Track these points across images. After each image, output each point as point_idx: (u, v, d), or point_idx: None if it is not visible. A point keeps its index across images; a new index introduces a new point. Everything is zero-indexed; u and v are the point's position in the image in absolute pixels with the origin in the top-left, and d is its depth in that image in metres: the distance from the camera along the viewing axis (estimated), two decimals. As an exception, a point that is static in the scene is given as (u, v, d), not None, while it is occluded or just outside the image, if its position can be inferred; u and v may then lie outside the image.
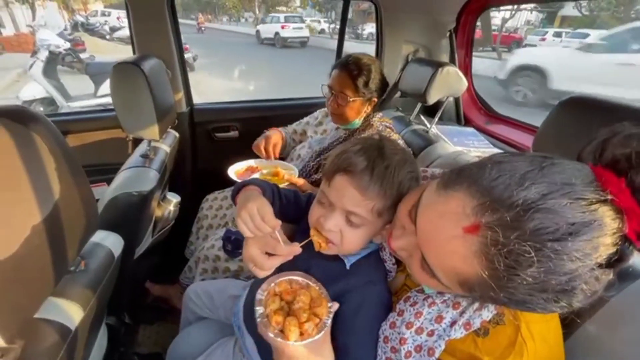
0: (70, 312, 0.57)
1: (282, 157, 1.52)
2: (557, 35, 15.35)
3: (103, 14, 14.03)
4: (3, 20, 11.39)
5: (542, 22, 19.77)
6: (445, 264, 0.43)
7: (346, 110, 1.25)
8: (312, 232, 0.58)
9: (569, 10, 17.82)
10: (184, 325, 1.06)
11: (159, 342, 1.52)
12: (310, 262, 0.63)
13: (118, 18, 13.03)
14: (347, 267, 0.63)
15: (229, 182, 1.50)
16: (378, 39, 1.69)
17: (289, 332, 0.49)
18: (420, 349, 0.51)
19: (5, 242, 0.41)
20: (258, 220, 0.54)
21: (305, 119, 1.59)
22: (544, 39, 15.49)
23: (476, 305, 0.50)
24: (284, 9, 23.68)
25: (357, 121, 1.30)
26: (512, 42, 16.50)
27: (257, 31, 15.81)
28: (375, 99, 1.28)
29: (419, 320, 0.52)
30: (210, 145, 1.76)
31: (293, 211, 0.75)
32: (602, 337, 0.61)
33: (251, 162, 1.48)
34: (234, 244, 1.29)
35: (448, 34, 1.60)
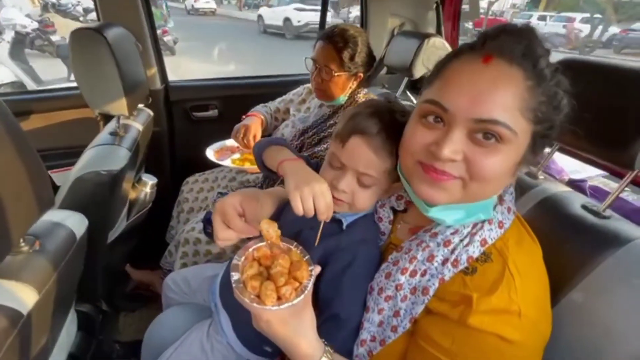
0: (22, 295, 0.52)
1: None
2: (542, 18, 15.45)
3: (76, -6, 13.25)
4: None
5: (528, 5, 19.81)
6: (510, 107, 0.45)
7: (330, 86, 1.19)
8: (262, 224, 0.54)
9: (554, -7, 17.90)
10: (164, 314, 1.02)
11: (141, 329, 1.47)
12: (303, 223, 0.62)
13: (92, -2, 12.35)
14: (344, 226, 0.63)
15: (210, 165, 1.44)
16: (362, 13, 1.62)
17: (265, 297, 0.46)
18: (415, 291, 0.53)
19: None
20: (323, 204, 0.54)
21: (289, 96, 1.53)
22: (529, 23, 15.56)
23: (466, 240, 0.52)
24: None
25: (342, 97, 1.24)
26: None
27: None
28: (362, 74, 1.23)
29: (413, 263, 0.53)
30: (189, 125, 1.68)
31: None
32: (589, 303, 0.60)
33: (229, 142, 1.42)
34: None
35: (435, 5, 1.54)
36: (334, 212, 0.61)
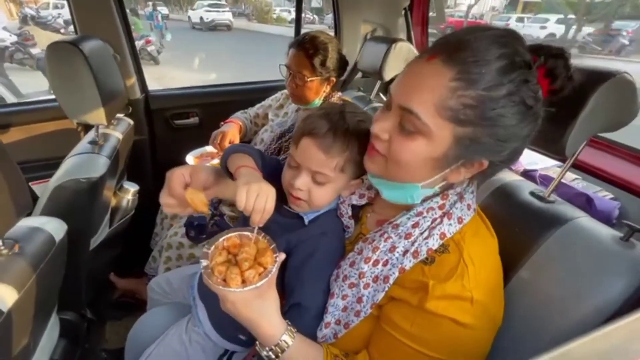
0: (1, 294, 0.55)
1: (246, 142, 1.51)
2: (520, 20, 15.95)
3: (56, 7, 13.07)
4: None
5: (506, 8, 20.43)
6: (426, 100, 0.49)
7: (305, 91, 1.24)
8: (187, 193, 0.58)
9: (531, -5, 18.51)
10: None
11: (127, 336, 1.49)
12: (271, 218, 0.64)
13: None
14: (306, 222, 0.67)
15: (192, 171, 1.47)
16: (336, 20, 1.69)
17: (230, 280, 0.50)
18: (377, 279, 0.56)
19: None
20: (261, 204, 0.53)
21: (267, 102, 1.58)
22: (507, 25, 16.09)
23: (426, 233, 0.56)
24: (252, -2, 23.04)
25: (317, 101, 1.30)
26: (479, 28, 17.00)
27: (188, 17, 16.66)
28: (334, 79, 1.28)
29: (375, 253, 0.57)
30: (170, 133, 1.71)
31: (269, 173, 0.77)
32: (533, 279, 0.66)
33: (209, 148, 1.46)
34: (197, 229, 1.27)
35: (403, 12, 1.62)
36: (297, 210, 0.66)
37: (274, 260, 0.54)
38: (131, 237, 1.50)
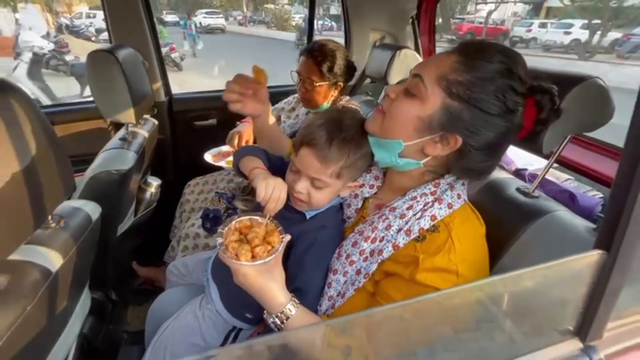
0: (51, 257, 0.66)
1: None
2: (543, 26, 15.60)
3: (88, 16, 13.88)
4: (-15, 25, 11.21)
5: (529, 14, 20.04)
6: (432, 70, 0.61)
7: (314, 95, 1.34)
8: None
9: (555, 1, 18.06)
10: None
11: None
12: (278, 212, 0.73)
13: (103, 19, 12.89)
14: (307, 218, 0.75)
15: (209, 169, 1.59)
16: (346, 28, 1.78)
17: (241, 255, 0.57)
18: (372, 253, 0.64)
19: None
20: (277, 194, 0.64)
21: (280, 104, 1.68)
22: (529, 30, 15.76)
23: (418, 215, 0.63)
24: (272, 6, 23.63)
25: (325, 105, 1.39)
26: (499, 34, 16.76)
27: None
28: (342, 84, 1.37)
29: (374, 232, 0.65)
30: (190, 133, 1.84)
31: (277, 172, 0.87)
32: (513, 266, 0.72)
33: (225, 148, 1.57)
34: (212, 221, 1.38)
35: (411, 20, 1.70)
36: (298, 208, 0.74)
37: (281, 240, 0.61)
38: (152, 229, 1.63)
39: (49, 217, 0.71)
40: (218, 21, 18.72)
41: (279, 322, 0.61)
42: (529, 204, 0.79)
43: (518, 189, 0.85)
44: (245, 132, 1.51)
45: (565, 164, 1.02)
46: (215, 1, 24.53)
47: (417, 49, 1.72)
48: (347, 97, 1.46)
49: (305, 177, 0.69)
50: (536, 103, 0.60)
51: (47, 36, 6.09)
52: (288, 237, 0.63)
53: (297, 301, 0.63)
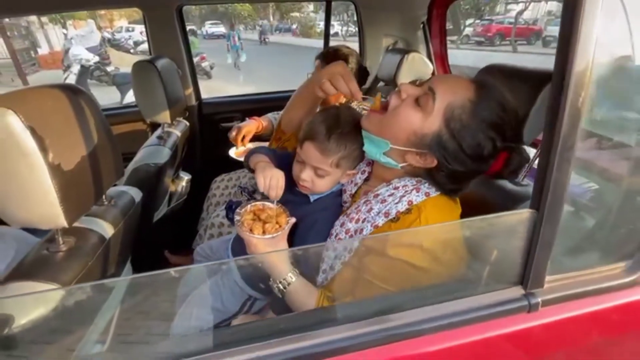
0: (105, 227, 0.83)
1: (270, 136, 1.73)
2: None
3: (127, 30, 14.92)
4: (39, 40, 12.39)
5: (564, 12, 19.04)
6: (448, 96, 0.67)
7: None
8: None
9: (591, -2, 17.10)
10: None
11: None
12: (286, 196, 0.84)
13: (141, 33, 13.81)
14: (311, 201, 0.87)
15: (234, 166, 1.75)
16: (360, 35, 1.90)
17: (255, 229, 0.70)
18: (356, 232, 0.73)
19: (66, 164, 0.66)
20: (275, 183, 0.75)
21: None
22: (564, 29, 14.99)
23: (397, 200, 0.71)
24: (298, 14, 24.20)
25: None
26: (531, 34, 16.12)
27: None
28: None
29: (357, 214, 0.74)
30: (217, 133, 2.03)
31: (284, 166, 0.97)
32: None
33: (249, 146, 1.72)
34: (235, 212, 1.54)
35: (422, 25, 1.78)
36: (305, 191, 0.85)
37: (287, 221, 0.74)
38: (183, 220, 1.81)
39: (103, 196, 0.88)
40: (220, 29, 20.62)
41: (281, 287, 0.71)
42: (516, 191, 0.86)
43: (507, 178, 0.92)
44: (244, 127, 1.60)
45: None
46: (243, 12, 25.50)
47: (428, 53, 1.80)
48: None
49: (309, 167, 0.79)
50: (506, 159, 0.71)
51: (98, 47, 6.65)
52: (293, 220, 0.75)
53: (297, 271, 0.72)
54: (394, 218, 0.70)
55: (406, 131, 0.69)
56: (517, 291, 0.49)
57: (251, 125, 1.66)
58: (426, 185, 0.73)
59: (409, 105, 0.69)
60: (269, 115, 1.81)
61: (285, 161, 0.96)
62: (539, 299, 0.47)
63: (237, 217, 0.74)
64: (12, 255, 0.88)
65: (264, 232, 0.71)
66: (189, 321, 1.00)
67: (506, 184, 0.90)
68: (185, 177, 1.66)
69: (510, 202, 0.84)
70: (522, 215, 0.45)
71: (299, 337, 0.45)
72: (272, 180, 0.74)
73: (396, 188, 0.74)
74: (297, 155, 0.84)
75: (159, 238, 1.66)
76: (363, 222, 0.73)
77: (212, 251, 1.25)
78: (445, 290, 0.50)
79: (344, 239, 0.76)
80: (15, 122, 0.56)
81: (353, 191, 0.86)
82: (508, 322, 0.48)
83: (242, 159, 1.64)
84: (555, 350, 0.50)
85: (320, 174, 0.80)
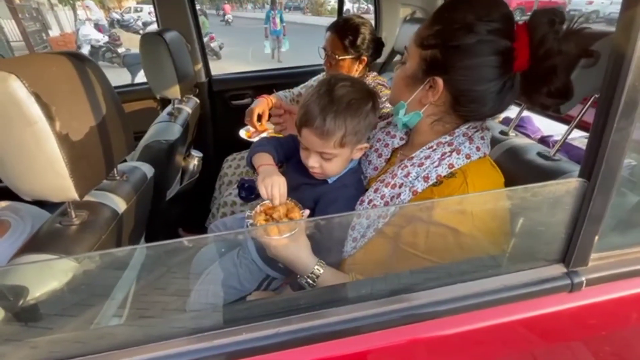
0: (117, 202, 0.81)
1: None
2: (607, -3, 13.97)
3: (136, 10, 14.76)
4: (49, 22, 12.39)
5: (590, -16, 17.96)
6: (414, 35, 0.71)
7: (337, 69, 1.38)
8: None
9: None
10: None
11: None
12: (301, 180, 0.83)
13: (149, 13, 13.64)
14: (329, 182, 0.82)
15: (245, 145, 1.72)
16: (376, 4, 1.79)
17: (269, 231, 0.67)
18: (392, 198, 0.70)
19: (74, 134, 0.63)
20: (276, 192, 0.72)
21: (310, 82, 1.75)
22: (590, 2, 14.19)
23: (436, 163, 0.68)
24: (308, -9, 23.38)
25: None
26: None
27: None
28: (365, 58, 1.40)
29: (394, 179, 0.71)
30: (228, 111, 1.99)
31: (291, 152, 0.94)
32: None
33: (268, 126, 1.67)
34: (247, 190, 1.51)
35: (443, -8, 1.66)
36: (317, 177, 0.80)
37: (301, 214, 0.70)
38: (195, 198, 1.81)
39: (115, 171, 0.86)
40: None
41: (311, 282, 0.69)
42: (547, 166, 0.81)
43: (539, 153, 0.86)
44: (256, 108, 1.50)
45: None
46: (252, -11, 24.80)
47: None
48: (374, 73, 1.49)
49: (314, 153, 0.75)
50: (529, 25, 0.62)
51: (103, 28, 6.60)
52: (307, 212, 0.71)
53: (323, 262, 0.70)
54: (436, 182, 0.67)
55: (401, 83, 0.73)
56: (559, 269, 0.44)
57: (263, 104, 1.60)
58: (466, 145, 0.68)
59: (398, 69, 0.75)
60: (280, 93, 1.75)
61: (292, 147, 0.92)
62: (583, 278, 0.43)
63: (249, 222, 0.70)
64: (28, 231, 0.88)
65: (279, 232, 0.67)
66: (205, 298, 1.00)
67: (537, 159, 0.84)
68: (197, 156, 1.64)
69: (542, 178, 0.79)
70: (570, 184, 0.40)
71: (320, 314, 0.42)
72: (273, 188, 0.71)
73: (430, 148, 0.70)
74: (301, 142, 0.79)
75: (172, 216, 1.66)
76: (400, 187, 0.70)
77: (227, 228, 1.23)
78: (482, 266, 0.47)
79: (379, 205, 0.72)
80: (18, 88, 0.53)
81: (389, 155, 0.82)
82: (548, 302, 0.44)
83: (253, 139, 1.61)
84: (598, 333, 0.46)
85: (327, 158, 0.75)
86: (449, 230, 0.60)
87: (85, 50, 5.04)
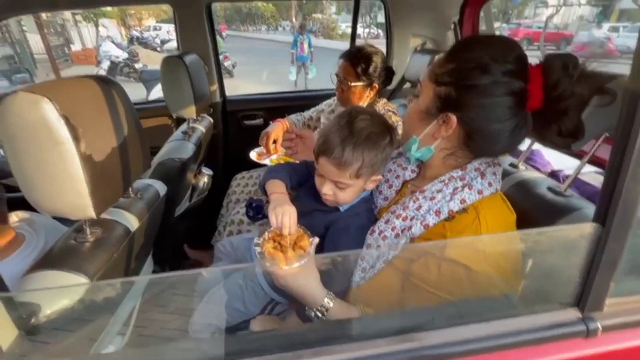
0: (130, 219, 0.82)
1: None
2: (614, 29, 14.22)
3: (155, 29, 15.40)
4: (72, 37, 12.97)
5: (598, 17, 18.37)
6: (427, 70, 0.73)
7: (349, 95, 1.42)
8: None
9: (628, 2, 16.39)
10: (214, 274, 1.30)
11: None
12: (313, 205, 0.84)
13: (168, 32, 14.24)
14: (341, 210, 0.83)
15: (255, 164, 1.75)
16: (387, 34, 1.86)
17: (278, 260, 0.65)
18: (403, 230, 0.70)
19: (97, 154, 0.66)
20: (287, 221, 0.71)
21: (321, 106, 1.79)
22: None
23: (448, 197, 0.68)
24: (320, 16, 24.28)
25: (361, 105, 1.47)
26: (561, 39, 15.55)
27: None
28: (377, 85, 1.44)
29: (405, 211, 0.71)
30: (240, 131, 2.03)
31: (305, 177, 0.95)
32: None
33: (282, 151, 1.70)
34: (254, 210, 1.52)
35: (453, 26, 1.72)
36: (329, 204, 0.81)
37: (310, 243, 0.68)
38: (203, 215, 1.82)
39: (130, 189, 0.88)
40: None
41: (320, 315, 0.68)
42: (558, 202, 0.81)
43: (549, 188, 0.86)
44: (272, 132, 1.56)
45: (603, 166, 0.99)
46: (266, 12, 25.81)
47: (458, 54, 1.73)
48: (384, 100, 1.52)
49: (329, 181, 0.77)
50: (543, 67, 0.63)
51: (121, 45, 6.89)
52: (316, 240, 0.71)
53: (332, 295, 0.69)
54: (448, 217, 0.67)
55: (414, 117, 0.73)
56: (573, 313, 0.44)
57: (278, 129, 1.64)
58: (478, 180, 0.69)
59: (410, 102, 0.77)
60: (292, 116, 1.79)
61: (305, 173, 0.93)
62: (598, 324, 0.42)
63: (257, 249, 0.69)
64: (42, 244, 0.89)
65: (287, 260, 0.66)
66: (208, 319, 0.99)
67: (548, 194, 0.84)
68: (207, 173, 1.67)
69: (552, 214, 0.79)
70: (584, 229, 0.41)
71: (330, 350, 0.42)
72: (284, 217, 0.71)
73: (442, 182, 0.71)
74: (317, 169, 0.80)
75: (180, 232, 1.67)
76: (411, 219, 0.70)
77: (233, 248, 1.23)
78: (494, 306, 0.46)
79: (390, 237, 0.72)
80: (50, 111, 0.56)
81: (399, 187, 0.83)
82: (562, 347, 0.43)
83: (265, 162, 1.63)
84: (615, 382, 0.45)
85: (341, 187, 0.77)
86: (461, 267, 0.60)
87: (105, 65, 5.24)
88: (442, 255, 0.63)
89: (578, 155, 0.87)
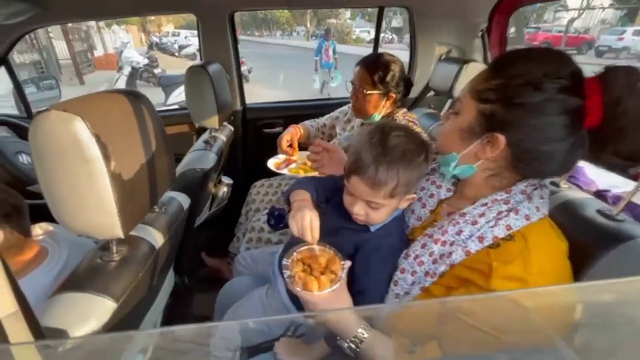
0: (155, 235, 0.80)
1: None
2: (638, 33, 13.75)
3: (173, 35, 15.78)
4: (95, 43, 13.41)
5: (622, 20, 17.81)
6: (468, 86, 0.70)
7: (364, 104, 1.36)
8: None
9: (654, 5, 15.83)
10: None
11: (210, 306, 1.78)
12: (341, 223, 0.80)
13: (186, 37, 14.56)
14: (372, 230, 0.79)
15: (274, 172, 1.72)
16: (412, 42, 1.81)
17: (309, 284, 0.62)
18: (442, 256, 0.66)
19: (125, 172, 0.64)
20: (307, 223, 0.69)
21: (335, 113, 1.74)
22: (621, 39, 13.99)
23: (492, 222, 0.63)
24: (334, 21, 24.40)
25: (377, 115, 1.39)
26: (583, 43, 15.14)
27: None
28: (394, 95, 1.38)
29: (444, 236, 0.66)
30: (259, 139, 2.02)
31: (332, 193, 0.91)
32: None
33: (297, 156, 1.68)
34: (276, 218, 1.49)
35: (480, 33, 1.67)
36: (360, 222, 0.76)
37: (342, 267, 0.65)
38: (221, 224, 1.81)
39: (155, 205, 0.86)
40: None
41: (353, 347, 0.63)
42: (611, 227, 0.74)
43: (599, 211, 0.79)
44: (285, 135, 1.55)
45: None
46: (281, 18, 26.11)
47: (486, 63, 1.67)
48: (404, 110, 1.46)
49: (361, 201, 0.72)
50: (602, 81, 0.58)
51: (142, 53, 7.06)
52: (348, 264, 0.67)
53: (367, 325, 0.64)
54: (492, 244, 0.62)
55: (454, 134, 0.69)
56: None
57: (291, 133, 1.62)
58: (525, 204, 0.64)
59: (449, 119, 0.72)
60: (307, 122, 1.76)
61: (332, 187, 0.89)
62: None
63: (286, 272, 0.65)
64: (65, 258, 0.88)
65: (319, 285, 0.62)
66: (229, 337, 0.96)
67: (598, 218, 0.78)
68: (227, 182, 1.65)
69: (602, 240, 0.72)
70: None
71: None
72: (304, 221, 0.68)
73: (485, 205, 0.66)
74: (346, 188, 0.76)
75: (199, 242, 1.66)
76: (452, 245, 0.65)
77: (253, 260, 1.21)
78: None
79: (427, 262, 0.67)
80: (82, 129, 0.54)
81: (434, 206, 0.78)
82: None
83: (283, 171, 1.60)
84: None
85: (374, 207, 0.72)
86: (511, 303, 0.54)
87: (126, 70, 5.39)
88: (488, 287, 0.58)
89: (635, 177, 0.81)
